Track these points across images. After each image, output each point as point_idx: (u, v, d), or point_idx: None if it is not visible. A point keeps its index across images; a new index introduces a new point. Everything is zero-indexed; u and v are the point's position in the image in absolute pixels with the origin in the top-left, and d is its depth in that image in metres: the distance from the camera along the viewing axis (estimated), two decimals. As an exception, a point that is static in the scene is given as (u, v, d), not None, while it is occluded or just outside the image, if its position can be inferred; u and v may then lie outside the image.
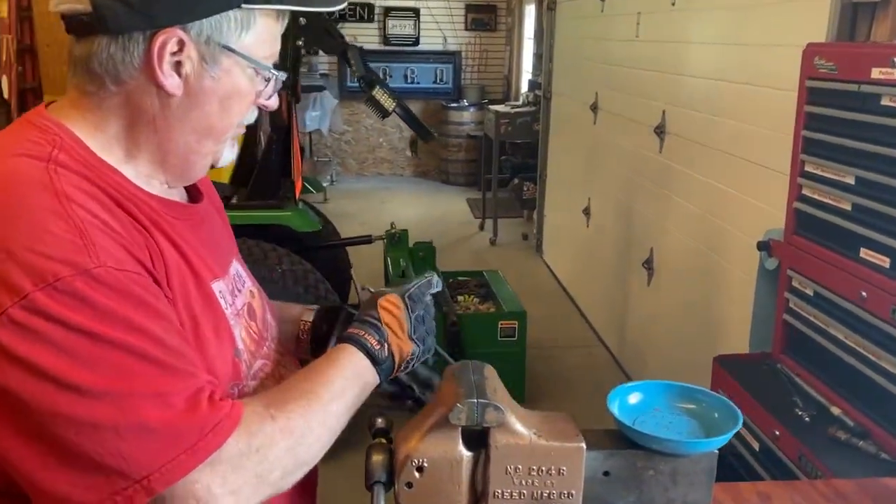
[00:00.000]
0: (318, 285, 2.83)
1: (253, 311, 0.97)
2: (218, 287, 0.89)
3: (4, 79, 5.63)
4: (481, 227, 6.64)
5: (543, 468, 0.88)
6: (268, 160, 2.98)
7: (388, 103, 2.87)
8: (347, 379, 0.89)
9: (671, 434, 0.90)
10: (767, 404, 1.77)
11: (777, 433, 1.69)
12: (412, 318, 0.97)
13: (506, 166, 6.59)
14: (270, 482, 0.77)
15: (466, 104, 8.22)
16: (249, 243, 2.82)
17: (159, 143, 0.84)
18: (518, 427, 0.88)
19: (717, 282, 2.87)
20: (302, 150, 3.56)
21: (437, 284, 1.02)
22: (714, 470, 0.91)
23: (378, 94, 2.87)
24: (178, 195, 0.93)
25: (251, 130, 3.22)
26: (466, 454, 0.88)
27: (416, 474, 0.87)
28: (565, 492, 0.89)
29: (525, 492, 0.88)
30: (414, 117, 3.14)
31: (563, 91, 5.35)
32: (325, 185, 7.44)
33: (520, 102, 6.95)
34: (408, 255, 3.47)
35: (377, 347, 0.93)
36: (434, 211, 7.30)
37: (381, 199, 7.60)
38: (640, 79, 3.72)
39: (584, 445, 0.88)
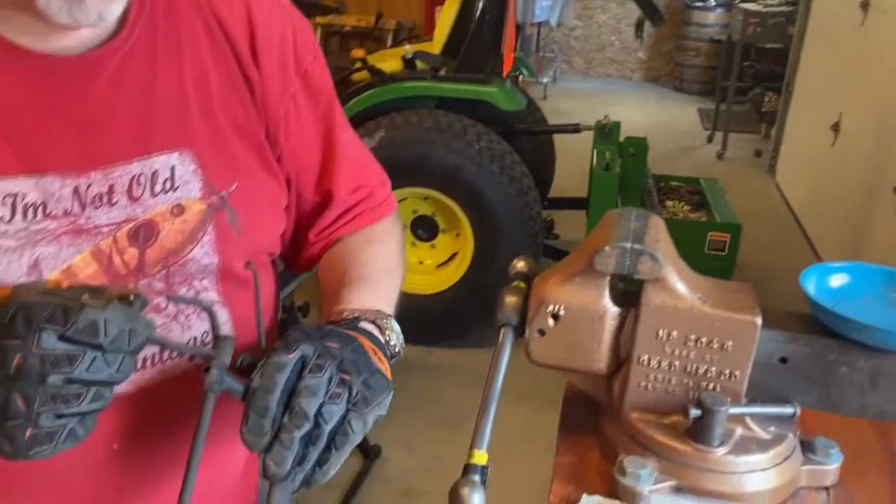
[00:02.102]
0: (514, 167, 2.74)
1: (141, 236, 0.74)
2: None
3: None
4: (709, 140, 6.10)
5: (704, 340, 0.73)
6: (479, 33, 2.87)
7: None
8: None
9: (884, 322, 0.70)
10: None
11: None
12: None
13: (748, 74, 5.94)
14: None
15: (713, 4, 7.45)
16: (451, 117, 2.77)
17: None
18: (679, 287, 0.73)
19: None
20: (519, 27, 3.40)
21: None
22: (933, 381, 0.71)
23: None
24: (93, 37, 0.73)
25: (468, 2, 3.12)
26: (612, 309, 0.75)
27: (551, 322, 0.76)
28: (727, 372, 0.73)
29: (677, 363, 0.74)
30: (644, -8, 2.84)
31: (830, -14, 4.64)
32: (545, 81, 7.21)
33: (775, 1, 6.16)
34: (616, 149, 3.23)
35: None
36: (659, 118, 6.83)
37: (603, 102, 7.22)
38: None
39: (759, 321, 0.71)
